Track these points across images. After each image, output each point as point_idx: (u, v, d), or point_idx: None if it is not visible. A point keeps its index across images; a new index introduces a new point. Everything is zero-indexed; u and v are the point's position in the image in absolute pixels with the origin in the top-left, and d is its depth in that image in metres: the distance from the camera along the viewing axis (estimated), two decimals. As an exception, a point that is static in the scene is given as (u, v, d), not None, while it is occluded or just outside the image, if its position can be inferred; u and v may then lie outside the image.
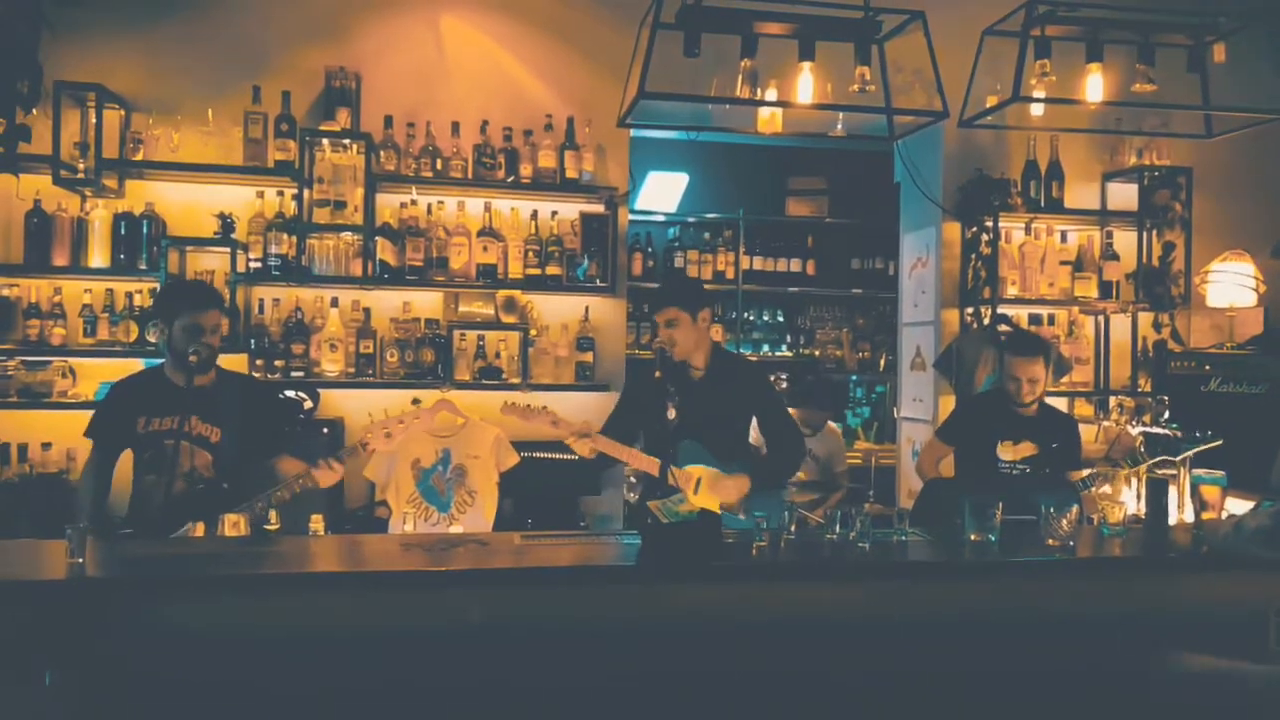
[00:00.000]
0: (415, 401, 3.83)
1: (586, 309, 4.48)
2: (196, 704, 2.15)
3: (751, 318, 6.53)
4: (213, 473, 3.00)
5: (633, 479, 4.69)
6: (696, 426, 3.13)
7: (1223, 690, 2.27)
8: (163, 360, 3.10)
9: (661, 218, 6.39)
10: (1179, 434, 3.69)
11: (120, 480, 3.07)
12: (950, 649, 2.39)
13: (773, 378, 6.31)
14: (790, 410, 4.74)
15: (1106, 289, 4.75)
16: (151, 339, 4.00)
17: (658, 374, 3.14)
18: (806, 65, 3.28)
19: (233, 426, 3.03)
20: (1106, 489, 3.37)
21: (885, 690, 2.38)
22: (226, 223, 4.08)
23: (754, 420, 3.47)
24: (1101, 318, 4.87)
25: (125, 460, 3.07)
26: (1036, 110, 3.86)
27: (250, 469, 3.05)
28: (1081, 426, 4.04)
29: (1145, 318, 4.78)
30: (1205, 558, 2.63)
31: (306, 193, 4.13)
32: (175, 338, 2.97)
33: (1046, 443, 3.66)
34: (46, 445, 3.94)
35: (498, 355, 4.35)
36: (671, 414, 2.99)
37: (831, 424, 4.93)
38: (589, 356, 4.43)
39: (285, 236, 4.11)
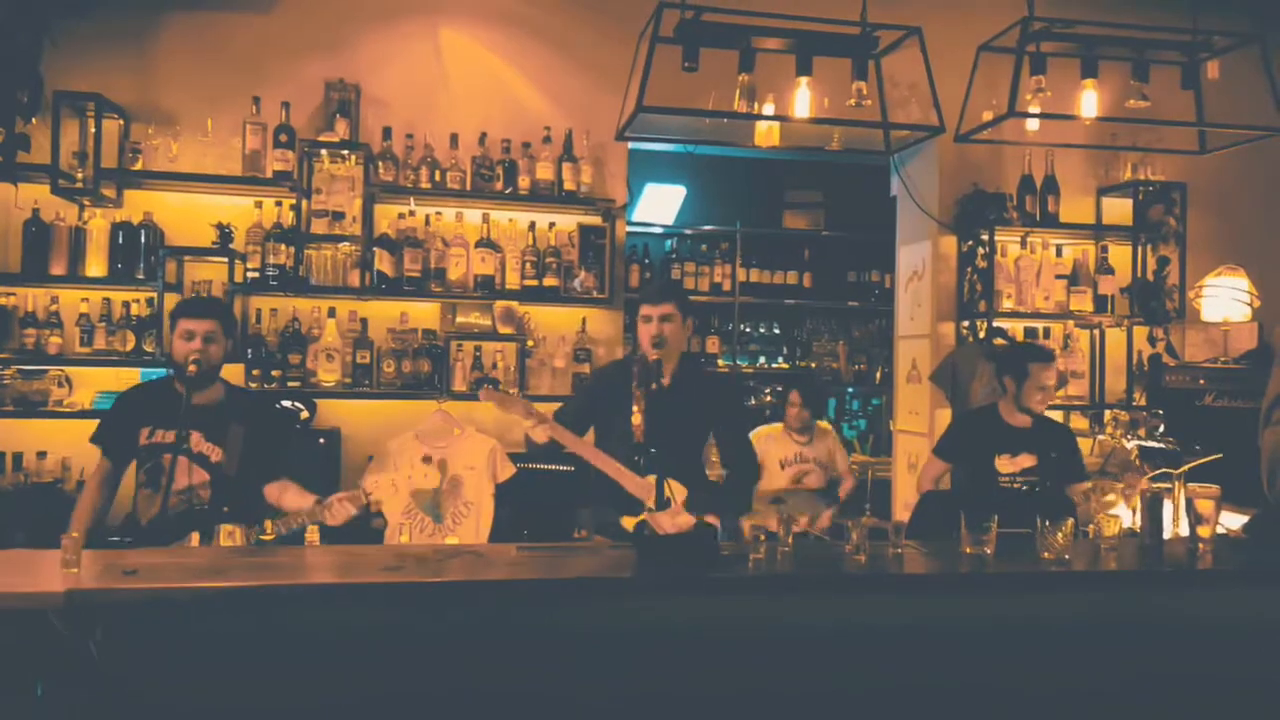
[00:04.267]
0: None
1: (584, 320, 4.49)
2: (191, 716, 2.14)
3: (748, 330, 6.54)
4: (210, 492, 2.96)
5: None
6: (659, 434, 3.04)
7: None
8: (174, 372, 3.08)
9: (659, 230, 6.41)
10: (1176, 445, 3.71)
11: (122, 490, 3.06)
12: (948, 661, 2.40)
13: (768, 390, 6.36)
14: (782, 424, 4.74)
15: (1101, 303, 4.77)
16: (148, 348, 4.01)
17: (655, 386, 3.10)
18: (804, 80, 3.30)
19: (235, 449, 2.98)
20: (1110, 497, 3.38)
21: (884, 701, 2.38)
22: (225, 233, 4.09)
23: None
24: (1096, 331, 4.89)
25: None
26: (1032, 125, 3.89)
27: (250, 493, 3.01)
28: (1077, 440, 4.05)
29: (1140, 332, 4.80)
30: (1203, 572, 2.63)
31: (305, 203, 4.14)
32: (172, 345, 2.97)
33: (1045, 453, 3.67)
34: (42, 454, 3.93)
35: (495, 366, 4.36)
36: (637, 419, 2.96)
37: (820, 423, 4.88)
38: (586, 368, 4.44)
39: (283, 247, 4.12)
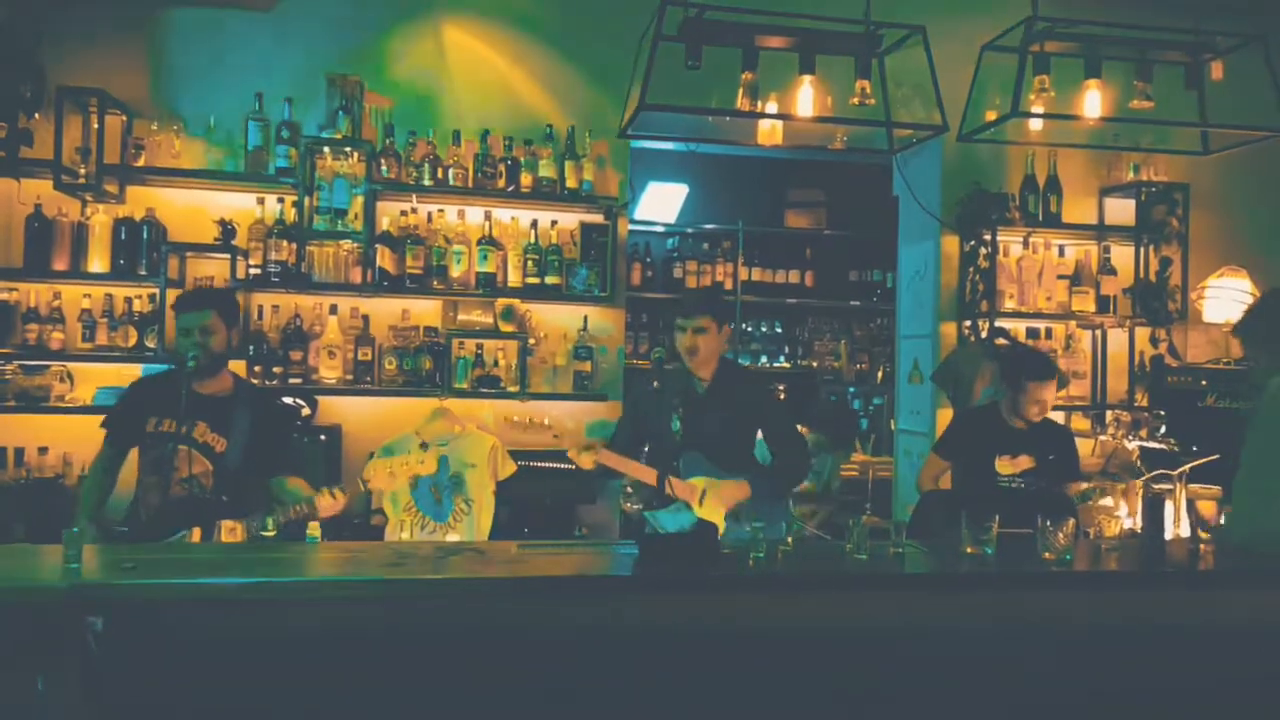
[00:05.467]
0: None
1: (585, 318, 4.49)
2: (191, 711, 2.14)
3: (750, 329, 6.54)
4: (211, 482, 3.00)
5: (629, 489, 4.69)
6: (701, 438, 3.14)
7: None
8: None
9: (661, 228, 6.42)
10: (1176, 448, 3.70)
11: (125, 479, 3.09)
12: (948, 660, 2.39)
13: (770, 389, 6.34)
14: (802, 428, 4.76)
15: (1104, 303, 4.76)
16: (150, 344, 4.01)
17: (655, 384, 3.15)
18: (807, 78, 3.30)
19: (239, 440, 3.02)
20: (1106, 501, 3.37)
21: (884, 700, 2.38)
22: (227, 229, 4.09)
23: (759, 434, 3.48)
24: (1099, 332, 4.88)
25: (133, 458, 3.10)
26: (1035, 125, 3.88)
27: (250, 484, 3.04)
28: (1079, 440, 4.05)
29: (1142, 332, 4.79)
30: (1202, 572, 2.63)
31: (307, 200, 4.14)
32: (176, 340, 3.00)
33: (1044, 455, 3.67)
34: (43, 450, 3.93)
35: (496, 364, 4.35)
36: (677, 424, 3.01)
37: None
38: (587, 366, 4.43)
39: (285, 243, 4.12)
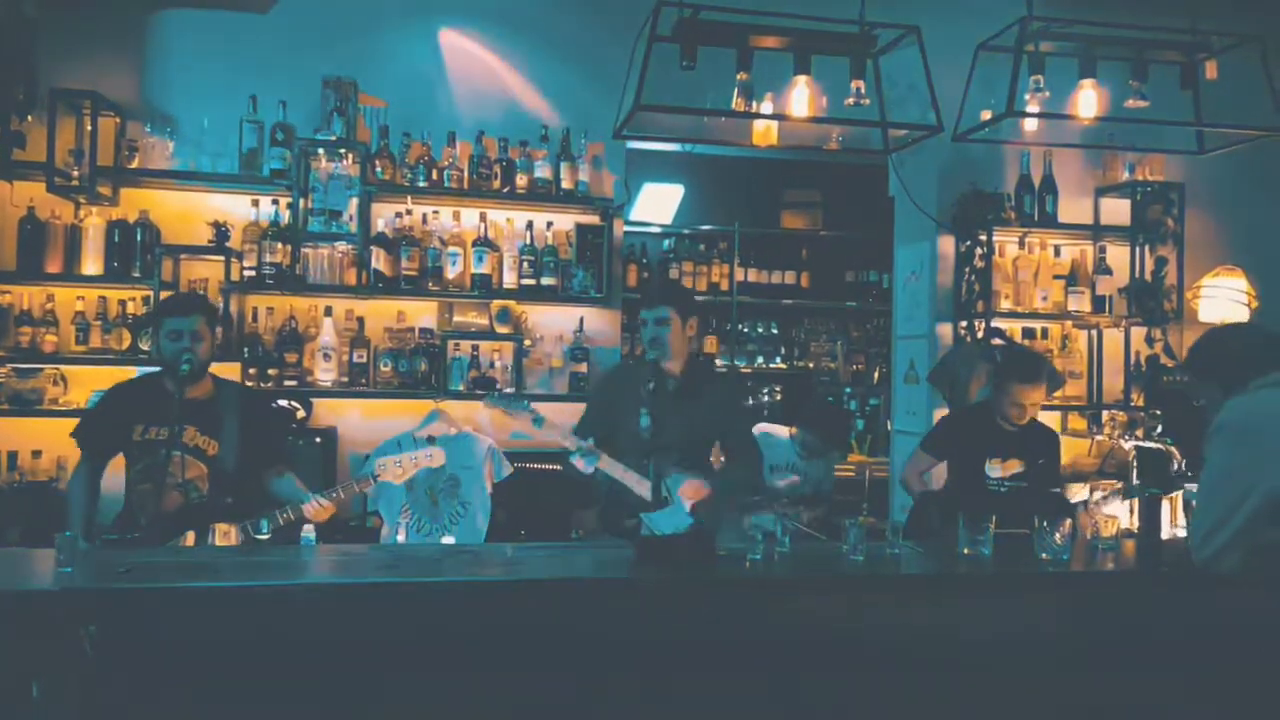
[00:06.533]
0: (430, 439, 3.81)
1: (581, 320, 4.48)
2: (187, 714, 2.13)
3: (745, 330, 6.53)
4: (208, 485, 2.99)
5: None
6: (669, 437, 3.10)
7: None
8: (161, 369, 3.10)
9: (656, 229, 6.40)
10: (1172, 449, 3.70)
11: (113, 486, 3.06)
12: (945, 661, 2.39)
13: (765, 390, 6.35)
14: (792, 429, 4.74)
15: (1099, 303, 4.77)
16: (144, 347, 4.00)
17: (651, 385, 3.12)
18: (802, 79, 3.30)
19: (230, 441, 3.01)
20: (1106, 506, 3.37)
21: (881, 702, 2.38)
22: (221, 231, 4.08)
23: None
24: (1094, 332, 4.88)
25: (117, 466, 3.07)
26: (1030, 125, 3.88)
27: (249, 484, 3.03)
28: (1074, 440, 4.04)
29: (1138, 332, 4.79)
30: (1201, 572, 2.63)
31: (302, 202, 4.13)
32: (160, 345, 2.99)
33: (1033, 459, 3.65)
34: (37, 453, 3.92)
35: (492, 365, 4.35)
36: (646, 420, 2.98)
37: None
38: (583, 367, 4.43)
39: (280, 245, 4.10)
